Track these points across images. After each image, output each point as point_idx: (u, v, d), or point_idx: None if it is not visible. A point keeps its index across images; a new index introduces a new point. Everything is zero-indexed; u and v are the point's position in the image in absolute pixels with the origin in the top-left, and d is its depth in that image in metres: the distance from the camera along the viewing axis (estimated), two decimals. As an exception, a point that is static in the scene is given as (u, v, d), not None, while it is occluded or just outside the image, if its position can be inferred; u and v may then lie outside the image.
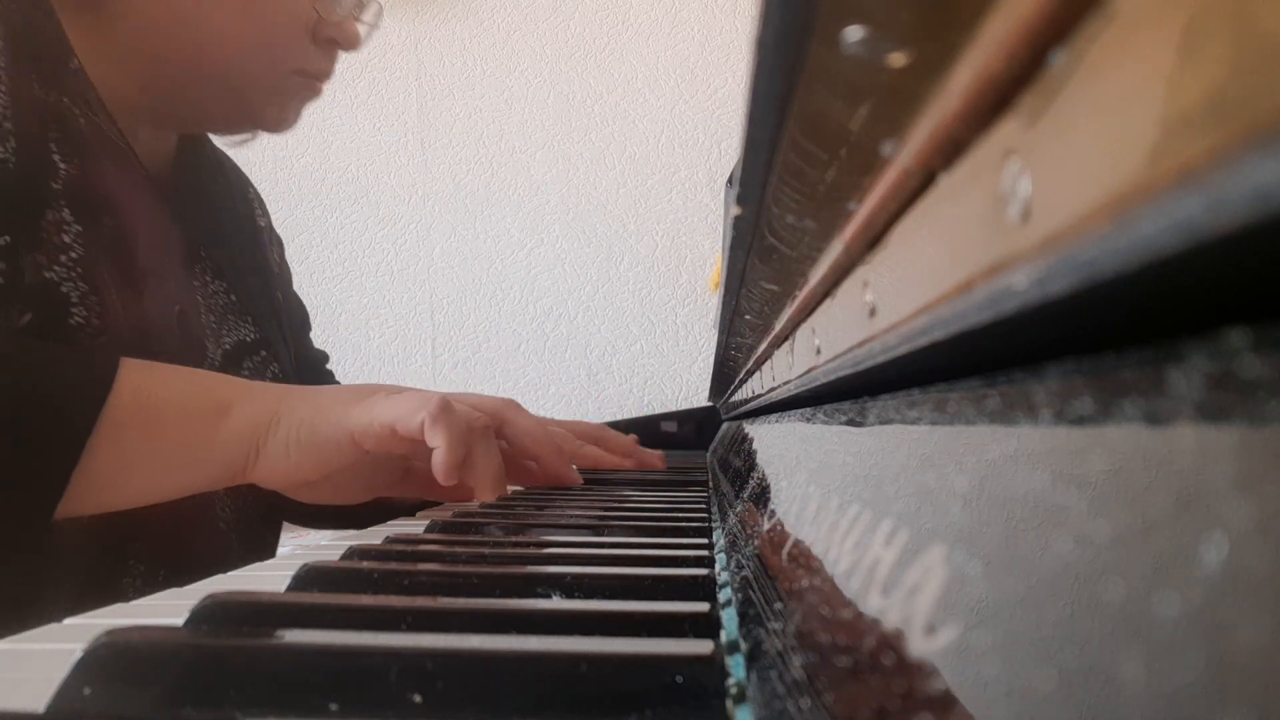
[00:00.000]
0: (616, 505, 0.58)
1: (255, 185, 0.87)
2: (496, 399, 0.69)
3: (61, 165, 0.57)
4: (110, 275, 0.58)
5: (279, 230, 0.90)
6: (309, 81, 0.70)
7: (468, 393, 0.69)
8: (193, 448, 0.52)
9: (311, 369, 0.89)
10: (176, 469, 0.53)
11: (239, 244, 0.77)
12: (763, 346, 0.49)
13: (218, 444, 0.53)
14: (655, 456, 0.89)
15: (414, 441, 0.54)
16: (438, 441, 0.54)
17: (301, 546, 0.49)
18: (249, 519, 0.71)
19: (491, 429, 0.61)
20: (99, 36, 0.62)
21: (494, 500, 0.59)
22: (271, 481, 0.55)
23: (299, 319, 0.89)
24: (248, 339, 0.73)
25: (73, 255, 0.55)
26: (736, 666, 0.23)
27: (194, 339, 0.66)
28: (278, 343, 0.77)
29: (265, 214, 0.86)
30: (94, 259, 0.57)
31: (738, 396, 0.78)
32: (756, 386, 0.59)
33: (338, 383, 0.95)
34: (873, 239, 0.21)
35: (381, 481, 0.65)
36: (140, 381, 0.51)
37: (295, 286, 0.90)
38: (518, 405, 0.69)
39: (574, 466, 0.73)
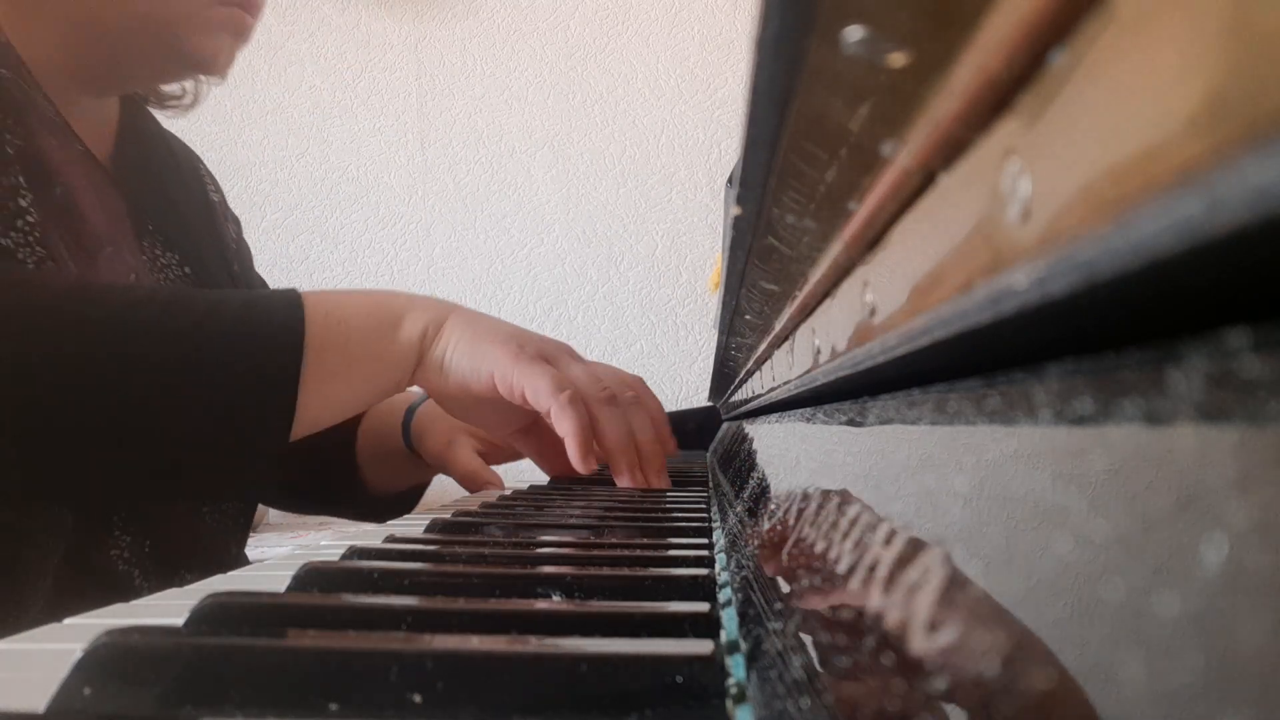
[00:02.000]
0: (616, 505, 0.58)
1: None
2: (623, 374, 0.70)
3: (8, 135, 0.57)
4: (65, 243, 0.58)
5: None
6: (235, 12, 0.68)
7: (600, 363, 0.71)
8: (379, 358, 0.58)
9: None
10: (369, 379, 0.58)
11: (190, 217, 0.76)
12: (763, 346, 0.49)
13: (396, 352, 0.59)
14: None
15: (529, 410, 0.61)
16: (562, 430, 0.60)
17: (301, 547, 0.49)
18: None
19: (620, 405, 0.64)
20: (8, 3, 0.62)
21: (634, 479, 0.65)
22: (429, 390, 0.62)
23: None
24: None
25: (28, 220, 0.56)
26: (736, 666, 0.23)
27: None
28: None
29: (218, 190, 0.85)
30: (48, 226, 0.57)
31: (738, 396, 0.78)
32: (756, 386, 0.59)
33: None
34: (873, 239, 0.21)
35: (514, 421, 0.68)
36: (325, 305, 0.56)
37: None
38: (642, 383, 0.71)
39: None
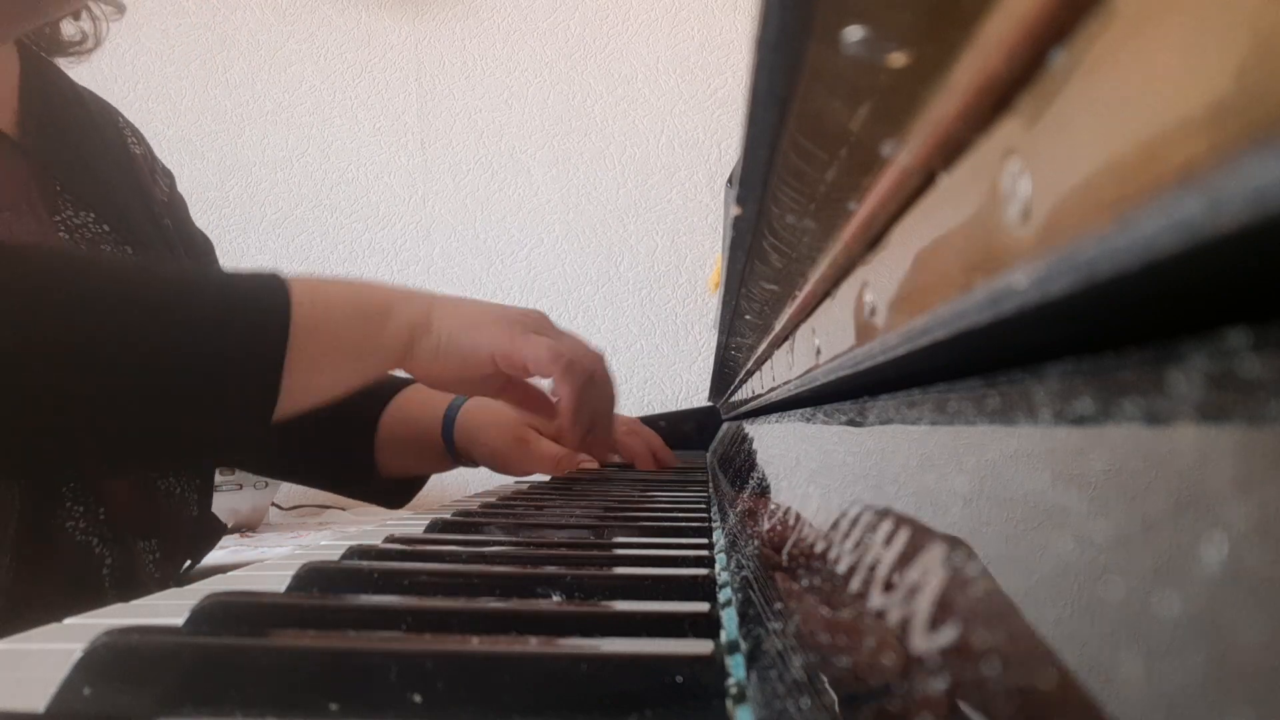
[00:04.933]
0: (616, 505, 0.58)
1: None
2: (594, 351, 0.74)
3: None
4: None
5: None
6: None
7: (573, 334, 0.74)
8: (364, 344, 0.59)
9: None
10: (353, 363, 0.59)
11: (107, 172, 0.74)
12: (763, 346, 0.49)
13: (383, 341, 0.60)
14: (670, 456, 0.95)
15: (528, 376, 0.65)
16: (562, 394, 0.64)
17: (301, 547, 0.49)
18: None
19: (609, 379, 0.71)
20: None
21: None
22: (417, 376, 0.64)
23: (201, 249, 0.86)
24: None
25: None
26: (736, 666, 0.23)
27: None
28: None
29: (141, 142, 0.82)
30: None
31: (738, 396, 0.78)
32: (756, 386, 0.59)
33: None
34: (872, 239, 0.21)
35: (495, 388, 0.71)
36: (312, 290, 0.57)
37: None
38: (604, 358, 0.75)
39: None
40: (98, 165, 0.73)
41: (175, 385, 0.50)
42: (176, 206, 0.84)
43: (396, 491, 0.90)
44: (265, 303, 0.54)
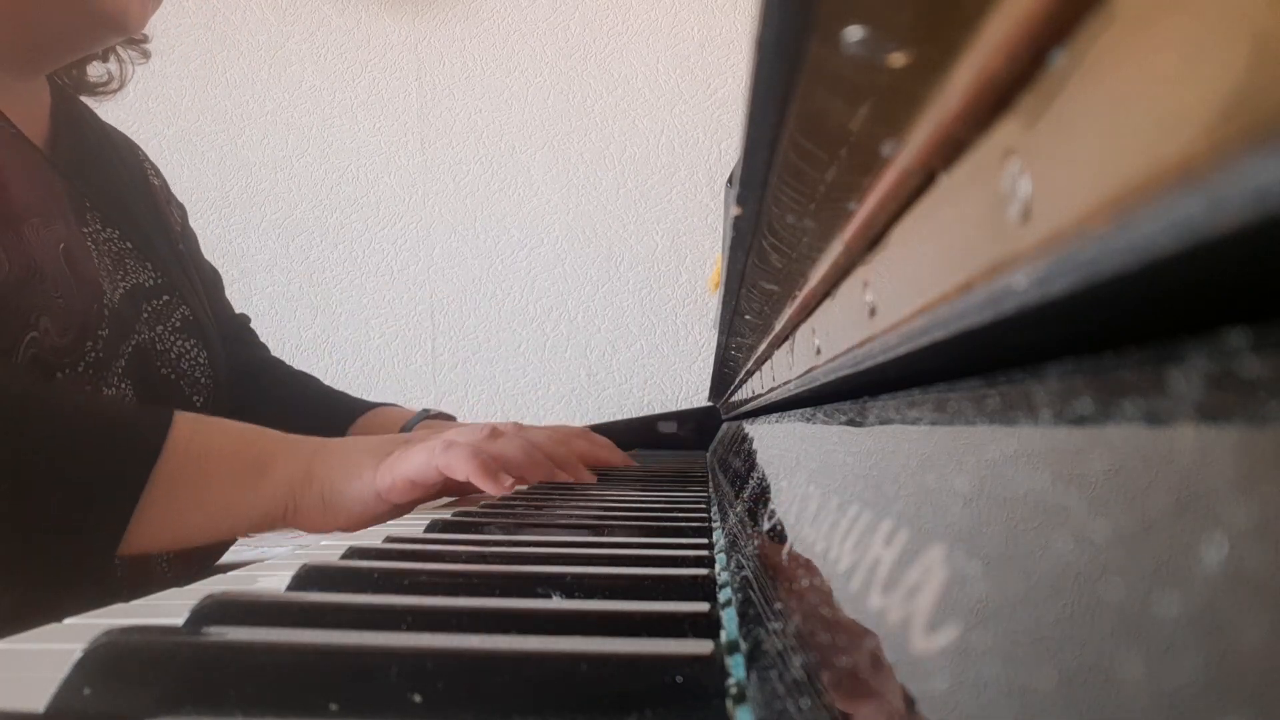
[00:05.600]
0: (616, 505, 0.58)
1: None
2: (494, 423, 0.71)
3: None
4: None
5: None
6: None
7: (458, 426, 0.73)
8: (236, 502, 0.58)
9: (232, 328, 0.92)
10: (221, 518, 0.58)
11: (130, 198, 0.77)
12: (763, 346, 0.49)
13: (259, 498, 0.59)
14: (625, 457, 0.91)
15: (438, 483, 0.61)
16: (460, 473, 0.60)
17: (301, 547, 0.49)
18: None
19: (498, 434, 0.66)
20: None
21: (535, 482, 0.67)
22: (309, 530, 0.61)
23: (209, 281, 0.90)
24: (147, 283, 0.74)
25: None
26: (736, 666, 0.23)
27: (87, 277, 0.67)
28: (186, 289, 0.78)
29: (159, 176, 0.86)
30: None
31: (738, 396, 0.78)
32: (756, 386, 0.59)
33: (261, 343, 0.99)
34: (873, 239, 0.21)
35: (426, 497, 0.68)
36: (191, 437, 0.56)
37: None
38: (519, 425, 0.73)
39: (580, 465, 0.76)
40: (121, 189, 0.76)
41: (35, 498, 0.50)
42: (189, 239, 0.88)
43: None
44: (136, 447, 0.54)
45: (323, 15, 1.66)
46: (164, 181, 0.87)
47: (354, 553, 0.39)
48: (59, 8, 0.67)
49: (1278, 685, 0.07)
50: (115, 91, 0.80)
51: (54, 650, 0.25)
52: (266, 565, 0.40)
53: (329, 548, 0.44)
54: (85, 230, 0.69)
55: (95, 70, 0.80)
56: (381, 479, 0.60)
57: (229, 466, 0.58)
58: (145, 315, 0.72)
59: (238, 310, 0.98)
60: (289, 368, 0.98)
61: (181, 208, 0.89)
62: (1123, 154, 0.10)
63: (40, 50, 0.71)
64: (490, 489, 0.61)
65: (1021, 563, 0.13)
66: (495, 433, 0.66)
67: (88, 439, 0.52)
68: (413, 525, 0.55)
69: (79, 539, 0.51)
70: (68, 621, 0.29)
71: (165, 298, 0.75)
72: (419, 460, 0.60)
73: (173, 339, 0.75)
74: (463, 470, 0.60)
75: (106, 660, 0.21)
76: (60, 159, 0.71)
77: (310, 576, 0.33)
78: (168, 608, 0.31)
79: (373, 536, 0.48)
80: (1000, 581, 0.13)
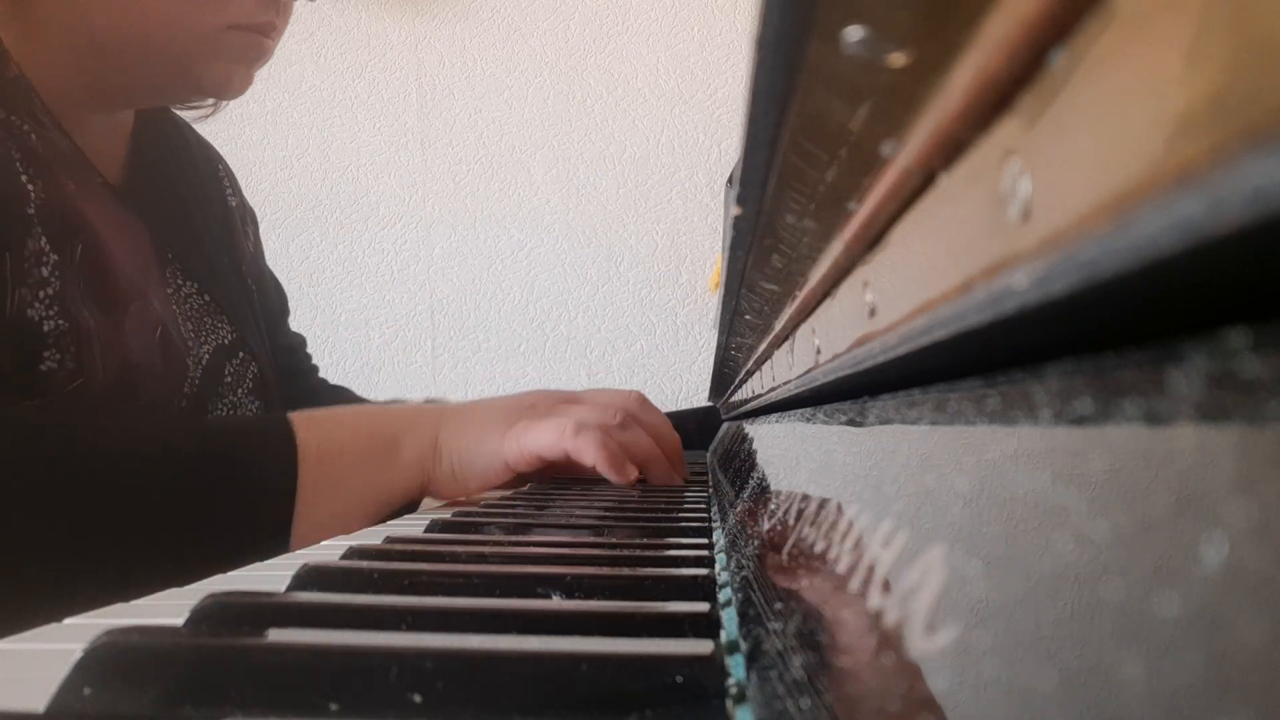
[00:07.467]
0: (616, 505, 0.58)
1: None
2: (623, 394, 0.72)
3: (30, 187, 0.56)
4: (90, 309, 0.58)
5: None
6: (250, 36, 0.66)
7: (596, 389, 0.74)
8: (374, 486, 0.60)
9: (288, 355, 0.91)
10: (364, 504, 0.59)
11: (209, 235, 0.76)
12: (763, 346, 0.49)
13: (394, 479, 0.60)
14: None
15: (562, 462, 0.63)
16: (588, 459, 0.62)
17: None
18: None
19: (629, 421, 0.67)
20: (20, 24, 0.60)
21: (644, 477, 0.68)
22: (443, 497, 0.64)
23: (276, 304, 0.89)
24: (225, 341, 0.73)
25: (50, 290, 0.55)
26: (736, 666, 0.23)
27: (176, 360, 0.66)
28: (254, 339, 0.77)
29: (236, 191, 0.85)
30: (71, 292, 0.57)
31: (738, 396, 0.78)
32: (756, 386, 0.59)
33: (310, 366, 0.97)
34: (873, 239, 0.21)
35: (548, 474, 0.71)
36: (319, 439, 0.57)
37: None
38: (644, 400, 0.73)
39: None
40: (201, 229, 0.75)
41: (189, 548, 0.51)
42: (258, 255, 0.87)
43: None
44: (273, 457, 0.55)
45: (323, 15, 1.66)
46: (242, 198, 0.85)
47: (354, 553, 0.39)
48: (158, 70, 0.64)
49: (1278, 685, 0.07)
50: (209, 114, 0.78)
51: (54, 650, 0.25)
52: (266, 565, 0.40)
53: (329, 547, 0.44)
54: (169, 292, 0.69)
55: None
56: (509, 448, 0.62)
57: (360, 460, 0.59)
58: (228, 378, 0.72)
59: None
60: (329, 388, 0.97)
61: (254, 219, 0.87)
62: (1123, 154, 0.10)
63: (132, 99, 0.70)
64: (616, 480, 0.63)
65: (1022, 563, 0.13)
66: (625, 420, 0.67)
67: (223, 475, 0.53)
68: (413, 525, 0.55)
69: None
70: (68, 621, 0.29)
71: (241, 355, 0.74)
72: (549, 438, 0.62)
73: (245, 404, 0.75)
74: (591, 458, 0.62)
75: (107, 660, 0.21)
76: (140, 197, 0.69)
77: (310, 577, 0.33)
78: (168, 608, 0.31)
79: (373, 536, 0.48)
80: (1000, 581, 0.13)
